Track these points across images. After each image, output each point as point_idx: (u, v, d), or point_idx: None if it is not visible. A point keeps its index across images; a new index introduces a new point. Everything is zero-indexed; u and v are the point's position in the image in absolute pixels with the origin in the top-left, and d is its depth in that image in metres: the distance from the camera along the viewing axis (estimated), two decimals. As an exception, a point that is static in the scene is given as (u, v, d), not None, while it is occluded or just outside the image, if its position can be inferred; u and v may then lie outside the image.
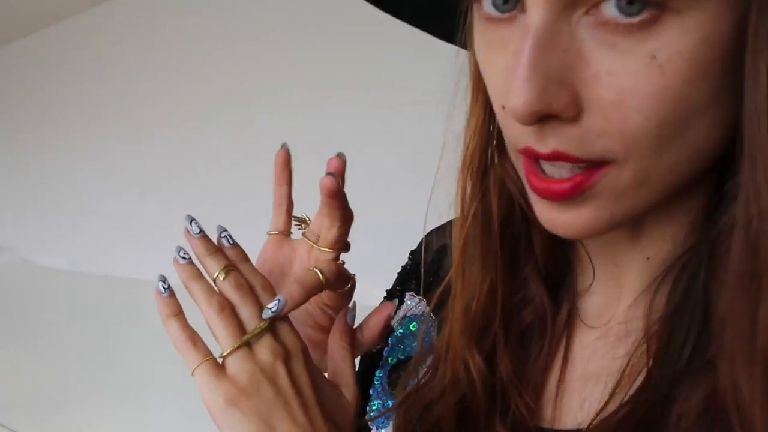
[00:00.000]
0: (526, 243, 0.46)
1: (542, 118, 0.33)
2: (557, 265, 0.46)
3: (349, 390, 0.51)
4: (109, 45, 2.28)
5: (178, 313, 0.47)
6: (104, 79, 2.29)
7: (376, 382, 0.56)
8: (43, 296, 2.74)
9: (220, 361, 0.46)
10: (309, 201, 0.54)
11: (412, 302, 0.57)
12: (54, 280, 2.64)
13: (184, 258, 0.48)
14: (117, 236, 2.27)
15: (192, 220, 0.49)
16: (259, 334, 0.46)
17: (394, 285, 0.60)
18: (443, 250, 0.56)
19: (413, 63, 1.29)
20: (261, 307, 0.47)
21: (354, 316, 0.55)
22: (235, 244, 0.49)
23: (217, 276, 0.47)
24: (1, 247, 2.91)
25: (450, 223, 0.57)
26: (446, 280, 0.48)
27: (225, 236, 0.49)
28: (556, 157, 0.35)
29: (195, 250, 0.48)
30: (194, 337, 0.46)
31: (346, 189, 0.51)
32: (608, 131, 0.33)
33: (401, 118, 1.36)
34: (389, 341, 0.56)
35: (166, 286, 0.47)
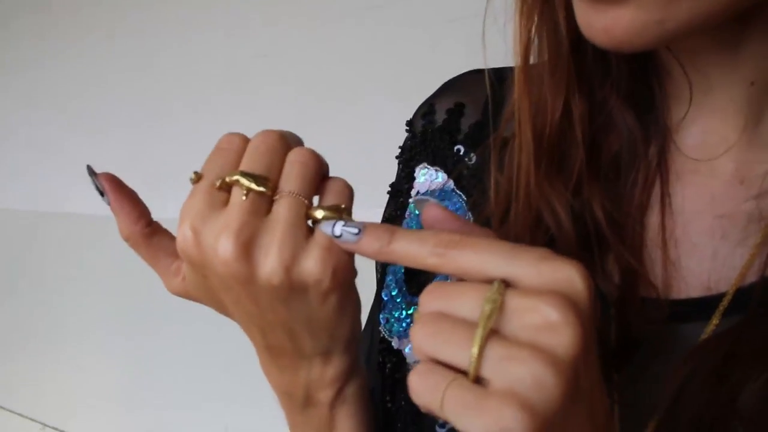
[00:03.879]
0: (601, 65, 0.40)
1: None
2: (640, 94, 0.40)
3: None
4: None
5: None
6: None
7: (391, 290, 0.48)
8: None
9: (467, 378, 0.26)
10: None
11: (428, 176, 0.49)
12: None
13: None
14: (39, 167, 2.04)
15: None
16: (494, 310, 0.27)
17: (399, 170, 0.52)
18: (458, 110, 0.49)
19: None
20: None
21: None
22: None
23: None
24: None
25: (466, 74, 0.49)
26: (498, 131, 0.41)
27: None
28: None
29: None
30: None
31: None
32: None
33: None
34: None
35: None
